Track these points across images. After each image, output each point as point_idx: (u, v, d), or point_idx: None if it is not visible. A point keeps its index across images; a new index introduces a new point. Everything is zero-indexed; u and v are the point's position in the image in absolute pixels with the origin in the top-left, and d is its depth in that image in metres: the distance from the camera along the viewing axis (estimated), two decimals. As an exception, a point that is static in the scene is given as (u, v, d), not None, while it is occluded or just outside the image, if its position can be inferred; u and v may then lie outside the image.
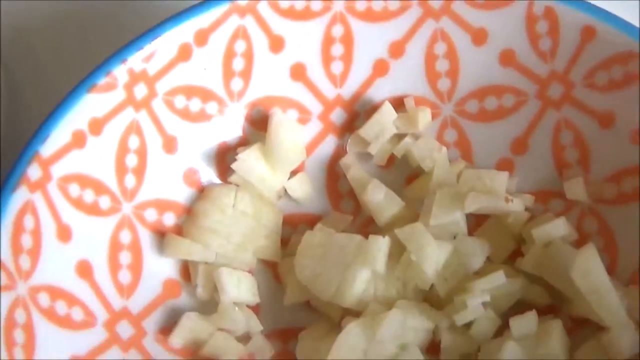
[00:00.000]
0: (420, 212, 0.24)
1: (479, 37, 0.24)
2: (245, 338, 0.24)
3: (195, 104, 0.24)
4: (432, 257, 0.23)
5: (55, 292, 0.21)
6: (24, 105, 0.28)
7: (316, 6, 0.24)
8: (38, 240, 0.21)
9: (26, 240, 0.21)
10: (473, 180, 0.24)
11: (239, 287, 0.24)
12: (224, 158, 0.25)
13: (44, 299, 0.21)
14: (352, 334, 0.22)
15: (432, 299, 0.24)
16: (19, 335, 0.20)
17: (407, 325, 0.23)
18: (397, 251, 0.23)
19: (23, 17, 0.30)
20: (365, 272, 0.23)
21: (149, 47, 0.23)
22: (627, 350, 0.22)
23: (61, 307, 0.21)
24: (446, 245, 0.23)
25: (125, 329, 0.23)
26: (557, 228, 0.23)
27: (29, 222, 0.21)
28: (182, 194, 0.24)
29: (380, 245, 0.23)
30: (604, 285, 0.22)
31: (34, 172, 0.21)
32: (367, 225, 0.25)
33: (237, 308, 0.24)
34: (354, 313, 0.23)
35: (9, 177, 0.21)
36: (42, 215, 0.21)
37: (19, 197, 0.21)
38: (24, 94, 0.29)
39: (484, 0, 0.24)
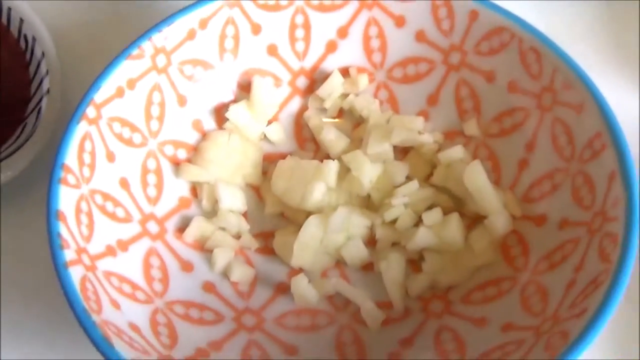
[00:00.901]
0: (361, 146, 0.34)
1: (400, 21, 0.34)
2: (237, 236, 0.33)
3: (199, 72, 0.34)
4: (368, 173, 0.32)
5: (106, 196, 0.31)
6: (74, 82, 0.38)
7: (283, 2, 0.34)
8: (93, 159, 0.30)
9: (86, 158, 0.30)
10: (398, 123, 0.34)
11: (232, 198, 0.33)
12: (220, 111, 0.35)
13: (98, 198, 0.30)
14: (312, 224, 0.32)
15: (369, 205, 0.33)
16: (83, 218, 0.29)
17: (352, 221, 0.32)
18: (344, 171, 0.33)
19: (68, 18, 0.40)
20: (321, 185, 0.32)
21: (167, 30, 0.32)
22: (502, 229, 0.32)
23: (109, 206, 0.31)
24: (378, 166, 0.33)
25: (152, 227, 0.32)
26: (456, 151, 0.33)
27: (88, 145, 0.30)
28: (191, 136, 0.34)
29: (331, 166, 0.32)
30: (485, 185, 0.31)
31: (90, 111, 0.30)
32: (323, 159, 0.35)
33: (231, 212, 0.33)
34: (315, 216, 0.33)
35: (74, 115, 0.30)
36: (96, 141, 0.30)
37: (81, 128, 0.30)
38: (72, 74, 0.38)
39: (402, -5, 0.34)
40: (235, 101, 0.35)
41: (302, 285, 0.31)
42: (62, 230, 0.28)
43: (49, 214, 0.28)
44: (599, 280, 0.27)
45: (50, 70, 0.35)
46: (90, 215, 0.30)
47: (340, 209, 0.32)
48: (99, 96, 0.31)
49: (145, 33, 0.32)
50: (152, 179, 0.33)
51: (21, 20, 0.37)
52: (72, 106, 0.31)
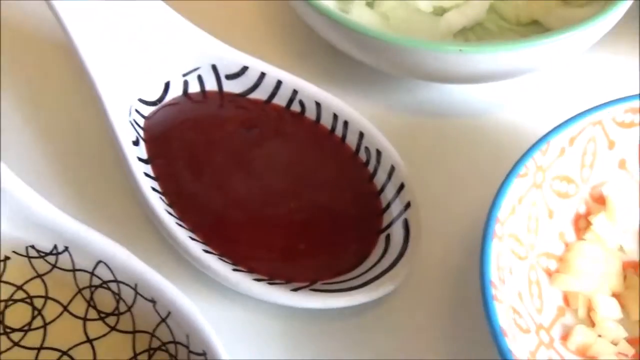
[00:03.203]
0: None
1: None
2: (614, 342, 0.35)
3: (563, 186, 0.36)
4: None
5: (513, 310, 0.33)
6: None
7: (636, 120, 0.36)
8: (503, 274, 0.32)
9: (501, 274, 0.32)
10: None
11: (609, 306, 0.35)
12: (577, 222, 0.37)
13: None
14: None
15: None
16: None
17: None
18: None
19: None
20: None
21: (544, 149, 0.35)
22: None
23: (517, 319, 0.33)
24: None
25: (544, 336, 0.34)
26: None
27: (502, 261, 0.32)
28: (558, 248, 0.36)
29: None
30: None
31: (498, 229, 0.32)
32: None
33: (609, 320, 0.35)
34: None
35: (485, 234, 0.32)
36: (503, 255, 0.33)
37: (495, 245, 0.32)
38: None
39: None
40: (589, 213, 0.37)
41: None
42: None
43: (495, 333, 0.30)
44: None
45: (405, 182, 0.37)
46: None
47: None
48: (501, 214, 0.33)
49: (527, 152, 0.34)
50: (535, 290, 0.34)
51: (361, 134, 0.39)
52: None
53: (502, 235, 0.32)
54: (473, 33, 0.45)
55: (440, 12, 0.44)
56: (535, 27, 0.44)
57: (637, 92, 0.36)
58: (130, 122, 0.39)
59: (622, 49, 0.45)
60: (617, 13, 0.40)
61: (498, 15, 0.45)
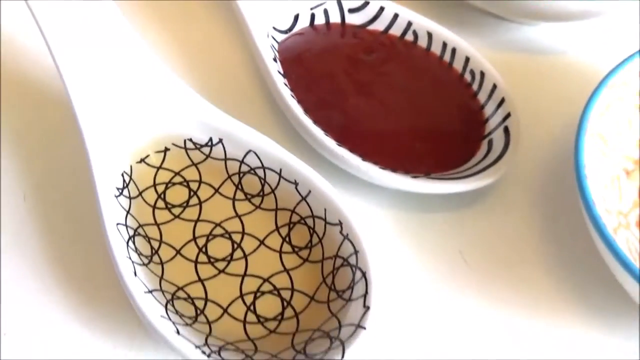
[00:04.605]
0: None
1: None
2: None
3: None
4: None
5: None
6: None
7: None
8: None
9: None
10: None
11: None
12: None
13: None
14: None
15: None
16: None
17: None
18: None
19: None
20: None
21: (627, 68, 0.41)
22: None
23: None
24: None
25: (622, 219, 0.40)
26: None
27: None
28: (635, 152, 0.43)
29: None
30: None
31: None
32: None
33: None
34: None
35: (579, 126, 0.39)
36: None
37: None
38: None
39: None
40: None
41: None
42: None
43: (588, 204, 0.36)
44: None
45: (505, 97, 0.44)
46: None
47: None
48: (592, 115, 0.39)
49: (614, 69, 0.41)
50: (615, 184, 0.41)
51: (467, 59, 0.46)
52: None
53: (593, 133, 0.39)
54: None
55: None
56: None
57: None
58: (269, 45, 0.46)
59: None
60: None
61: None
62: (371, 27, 0.48)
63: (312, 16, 0.48)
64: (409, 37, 0.47)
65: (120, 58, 0.42)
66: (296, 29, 0.48)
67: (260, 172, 0.42)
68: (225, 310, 0.39)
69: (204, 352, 0.36)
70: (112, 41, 0.42)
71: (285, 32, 0.48)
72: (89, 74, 0.42)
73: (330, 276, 0.39)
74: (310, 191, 0.41)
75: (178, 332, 0.36)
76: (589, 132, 0.39)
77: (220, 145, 0.43)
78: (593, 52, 0.49)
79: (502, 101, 0.44)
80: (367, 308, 0.37)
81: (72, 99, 0.41)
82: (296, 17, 0.48)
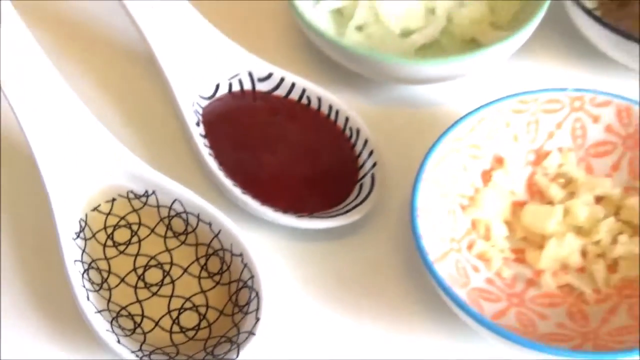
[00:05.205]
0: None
1: (596, 119, 0.55)
2: (502, 250, 0.54)
3: (474, 151, 0.55)
4: (582, 211, 0.53)
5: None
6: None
7: (524, 107, 0.55)
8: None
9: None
10: (594, 183, 0.55)
11: (503, 230, 0.54)
12: (484, 174, 0.56)
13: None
14: (551, 244, 0.53)
15: (582, 231, 0.54)
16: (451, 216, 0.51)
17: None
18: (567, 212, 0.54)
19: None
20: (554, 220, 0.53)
21: (461, 126, 0.54)
22: None
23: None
24: (586, 209, 0.54)
25: (455, 245, 0.53)
26: (635, 200, 0.54)
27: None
28: (469, 190, 0.55)
29: (558, 209, 0.53)
30: None
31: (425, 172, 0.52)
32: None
33: (502, 238, 0.54)
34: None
35: (417, 177, 0.51)
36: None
37: (423, 188, 0.51)
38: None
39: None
40: (492, 169, 0.56)
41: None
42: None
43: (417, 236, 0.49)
44: None
45: (374, 149, 0.57)
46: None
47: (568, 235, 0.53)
48: (428, 167, 0.52)
49: (448, 128, 0.53)
50: (451, 217, 0.54)
51: (347, 118, 0.59)
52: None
53: (428, 179, 0.52)
54: (430, 47, 0.64)
55: (407, 33, 0.64)
56: (474, 44, 0.64)
57: (527, 90, 0.55)
58: (194, 111, 0.59)
59: (537, 58, 0.64)
60: (523, 35, 0.59)
61: (449, 35, 0.64)
62: (275, 93, 0.61)
63: (230, 85, 0.61)
64: (304, 100, 0.60)
65: (73, 127, 0.55)
66: (217, 96, 0.61)
67: (184, 215, 0.55)
68: (156, 324, 0.52)
69: (137, 356, 0.49)
70: (64, 111, 0.55)
71: (208, 98, 0.61)
72: (52, 142, 0.54)
73: (235, 295, 0.52)
74: (220, 230, 0.53)
75: (119, 341, 0.49)
76: (425, 179, 0.51)
77: (154, 195, 0.56)
78: (458, 107, 0.61)
79: (371, 152, 0.57)
80: (258, 319, 0.50)
81: (40, 167, 0.54)
82: (217, 86, 0.61)
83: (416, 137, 0.59)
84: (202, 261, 0.54)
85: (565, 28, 0.65)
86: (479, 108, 0.54)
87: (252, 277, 0.52)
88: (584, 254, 0.53)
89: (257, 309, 0.50)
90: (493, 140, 0.56)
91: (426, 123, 0.61)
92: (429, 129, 0.58)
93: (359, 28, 0.64)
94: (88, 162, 0.55)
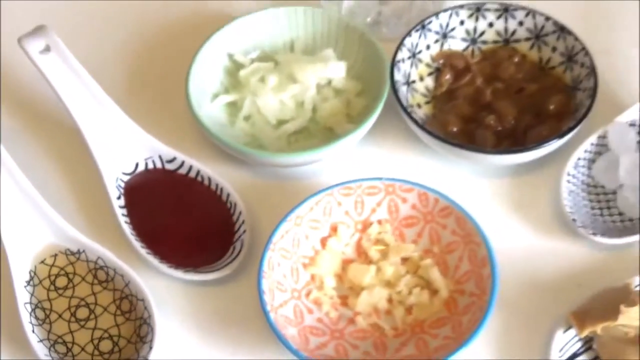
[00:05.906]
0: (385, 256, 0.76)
1: (404, 200, 0.76)
2: (331, 297, 0.75)
3: (314, 224, 0.75)
4: (390, 270, 0.74)
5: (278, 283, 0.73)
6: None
7: (352, 192, 0.76)
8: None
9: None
10: (402, 247, 0.76)
11: (330, 279, 0.75)
12: (323, 240, 0.76)
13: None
14: (365, 293, 0.73)
15: (389, 284, 0.75)
16: (294, 273, 0.72)
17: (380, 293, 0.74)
18: (379, 271, 0.75)
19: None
20: (369, 275, 0.74)
21: (303, 206, 0.74)
22: (444, 295, 0.73)
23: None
24: (394, 268, 0.75)
25: (295, 293, 0.74)
26: (429, 261, 0.75)
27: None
28: (310, 252, 0.76)
29: (371, 269, 0.74)
30: (438, 277, 0.73)
31: (271, 246, 0.72)
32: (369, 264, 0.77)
33: (330, 287, 0.75)
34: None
35: (264, 251, 0.72)
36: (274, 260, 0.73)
37: (268, 255, 0.72)
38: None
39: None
40: (329, 236, 0.76)
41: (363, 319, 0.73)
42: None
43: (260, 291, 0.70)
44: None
45: (245, 219, 0.78)
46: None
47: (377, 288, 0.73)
48: (275, 238, 0.72)
49: (293, 208, 0.74)
50: (295, 273, 0.74)
51: (228, 194, 0.79)
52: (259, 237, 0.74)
53: (274, 249, 0.72)
54: (301, 133, 0.84)
55: (282, 122, 0.84)
56: (331, 132, 0.84)
57: (358, 178, 0.76)
58: (116, 186, 0.80)
59: (380, 146, 0.85)
60: (365, 128, 0.79)
61: (314, 122, 0.84)
62: (179, 172, 0.81)
63: (146, 164, 0.82)
64: (199, 179, 0.80)
65: (21, 200, 0.76)
66: (136, 172, 0.81)
67: (105, 269, 0.76)
68: (82, 349, 0.73)
69: (66, 374, 0.70)
70: (12, 187, 0.76)
71: (130, 174, 0.81)
72: (8, 212, 0.75)
73: (139, 329, 0.73)
74: (129, 281, 0.74)
75: (55, 363, 0.71)
76: (271, 249, 0.72)
77: (84, 253, 0.76)
78: (320, 181, 0.81)
79: (243, 221, 0.77)
80: (151, 347, 0.71)
81: (2, 233, 0.74)
82: (136, 164, 0.82)
83: (285, 206, 0.79)
84: (118, 302, 0.75)
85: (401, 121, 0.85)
86: (316, 193, 0.75)
87: (149, 316, 0.72)
88: (390, 300, 0.74)
89: (152, 340, 0.71)
90: (329, 215, 0.76)
91: (293, 194, 0.81)
92: (295, 198, 0.78)
93: (247, 118, 0.84)
94: (36, 229, 0.76)
